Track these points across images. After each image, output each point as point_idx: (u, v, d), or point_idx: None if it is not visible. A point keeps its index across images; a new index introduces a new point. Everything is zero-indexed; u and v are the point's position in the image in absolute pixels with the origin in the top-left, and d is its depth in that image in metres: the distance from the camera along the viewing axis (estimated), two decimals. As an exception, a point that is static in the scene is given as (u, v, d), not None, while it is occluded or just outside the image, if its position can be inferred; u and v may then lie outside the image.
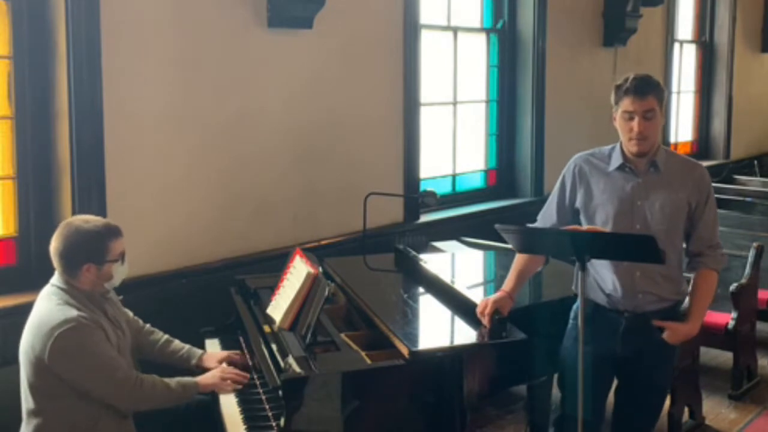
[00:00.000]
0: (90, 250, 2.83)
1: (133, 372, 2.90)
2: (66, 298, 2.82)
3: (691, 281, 3.06)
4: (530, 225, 3.22)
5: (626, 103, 2.93)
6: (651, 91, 2.92)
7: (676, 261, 3.00)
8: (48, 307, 2.81)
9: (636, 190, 2.98)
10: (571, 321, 3.17)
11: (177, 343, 3.29)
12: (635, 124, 2.91)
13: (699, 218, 2.99)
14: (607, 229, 2.94)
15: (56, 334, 2.71)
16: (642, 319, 2.98)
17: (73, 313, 2.76)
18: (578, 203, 3.08)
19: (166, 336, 3.30)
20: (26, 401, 2.85)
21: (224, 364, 3.19)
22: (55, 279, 2.88)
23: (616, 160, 3.02)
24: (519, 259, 3.13)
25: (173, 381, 2.99)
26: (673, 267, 2.98)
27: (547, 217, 3.18)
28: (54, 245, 2.85)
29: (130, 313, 3.22)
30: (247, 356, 3.31)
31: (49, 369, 2.74)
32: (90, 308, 2.85)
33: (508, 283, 3.09)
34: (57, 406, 2.80)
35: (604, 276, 3.03)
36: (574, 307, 3.16)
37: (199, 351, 3.30)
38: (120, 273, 2.94)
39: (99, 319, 2.85)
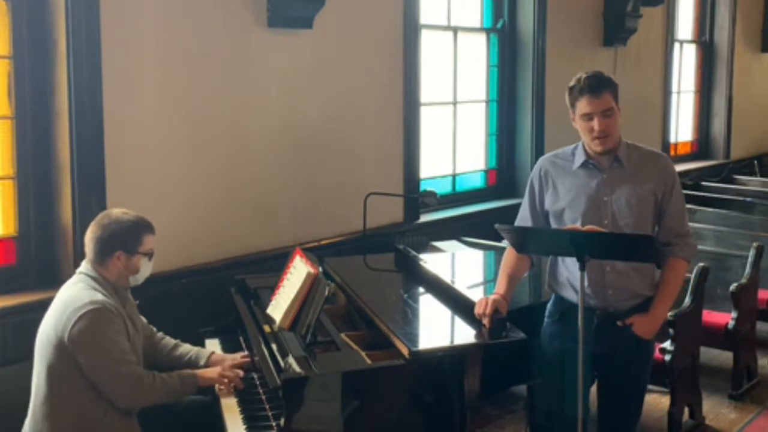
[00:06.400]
0: (125, 238, 2.95)
1: (138, 369, 2.92)
2: (93, 285, 2.92)
3: (661, 270, 3.06)
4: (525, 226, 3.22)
5: (583, 105, 2.93)
6: (605, 89, 2.92)
7: None
8: (74, 290, 2.90)
9: (601, 186, 2.99)
10: (546, 319, 3.18)
11: (185, 346, 3.32)
12: (595, 123, 2.92)
13: (666, 208, 3.00)
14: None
15: (80, 314, 2.80)
16: (613, 317, 2.99)
17: (99, 297, 2.86)
18: (547, 204, 3.09)
19: (175, 341, 3.34)
20: (38, 389, 2.87)
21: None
22: (83, 267, 2.98)
23: (580, 158, 3.04)
24: (507, 262, 3.13)
25: (172, 375, 3.02)
26: None
27: (523, 224, 3.17)
28: (91, 231, 2.97)
29: (144, 319, 3.25)
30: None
31: (68, 350, 2.80)
32: (114, 299, 2.94)
33: (501, 286, 3.08)
34: (70, 395, 2.84)
35: (576, 274, 3.02)
36: (549, 305, 3.19)
37: (207, 352, 3.31)
38: (145, 269, 3.04)
39: (121, 310, 2.94)
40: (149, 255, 3.03)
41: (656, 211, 3.00)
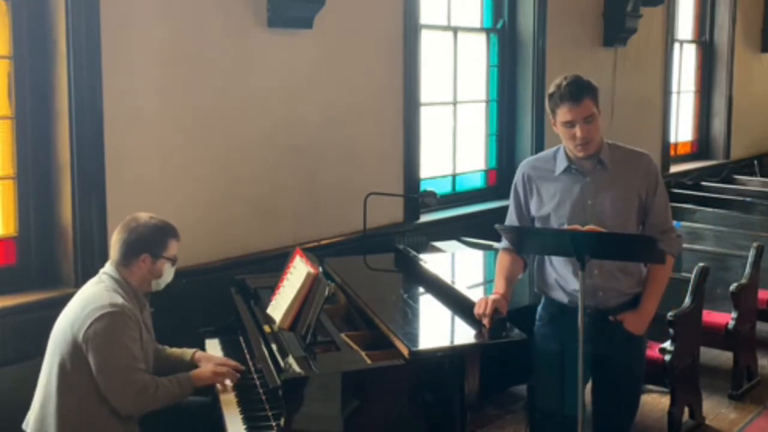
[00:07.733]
0: (151, 241, 2.99)
1: (144, 377, 2.90)
2: (115, 287, 2.93)
3: (648, 267, 3.06)
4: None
5: (564, 112, 2.91)
6: (585, 94, 2.90)
7: None
8: (97, 290, 2.92)
9: (585, 189, 2.99)
10: (537, 322, 3.18)
11: (172, 348, 3.31)
12: (577, 131, 2.90)
13: (650, 206, 3.01)
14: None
15: (98, 315, 2.81)
16: (604, 316, 3.00)
17: (120, 300, 2.87)
18: (532, 210, 3.09)
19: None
20: (48, 384, 2.87)
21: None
22: (108, 268, 3.00)
23: (562, 163, 3.03)
24: (502, 265, 3.12)
25: (171, 380, 3.00)
26: None
27: None
28: (117, 234, 3.00)
29: None
30: (247, 356, 3.31)
31: (81, 349, 2.81)
32: (133, 303, 2.95)
33: (500, 287, 3.07)
34: (78, 393, 2.84)
35: (564, 275, 3.03)
36: (539, 308, 3.19)
37: (191, 350, 3.30)
38: (168, 274, 3.07)
39: (138, 315, 2.94)
40: (173, 260, 3.06)
41: (640, 210, 3.01)
